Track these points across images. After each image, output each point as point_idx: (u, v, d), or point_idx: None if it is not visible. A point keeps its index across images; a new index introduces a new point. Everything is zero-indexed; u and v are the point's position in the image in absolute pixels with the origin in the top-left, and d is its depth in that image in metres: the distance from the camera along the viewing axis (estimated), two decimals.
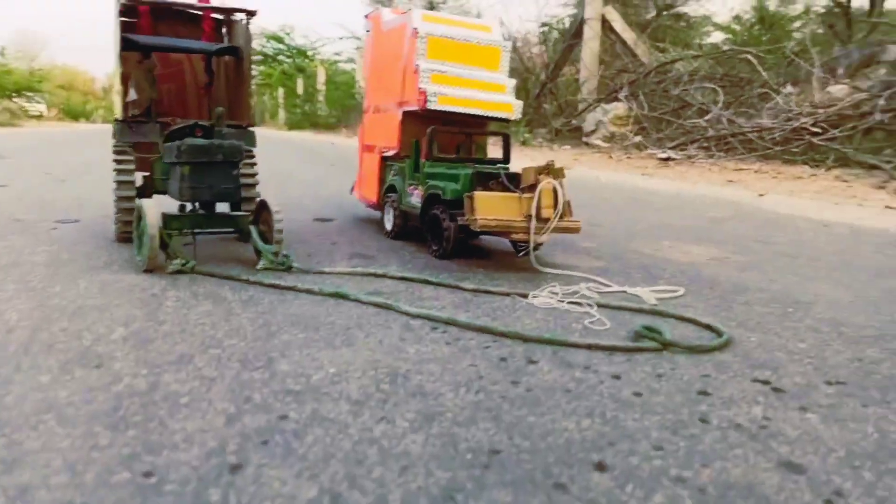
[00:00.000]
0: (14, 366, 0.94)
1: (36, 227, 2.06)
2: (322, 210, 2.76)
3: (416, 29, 1.95)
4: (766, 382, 1.03)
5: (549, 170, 1.70)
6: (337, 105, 20.19)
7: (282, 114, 24.11)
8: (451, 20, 2.05)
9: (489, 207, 1.67)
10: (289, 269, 1.59)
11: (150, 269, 1.50)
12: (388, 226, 2.14)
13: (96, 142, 7.23)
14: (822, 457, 0.79)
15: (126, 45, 1.69)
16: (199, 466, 0.70)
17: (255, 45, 21.63)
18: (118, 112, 1.75)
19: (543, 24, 13.15)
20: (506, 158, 2.05)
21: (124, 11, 1.78)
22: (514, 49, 13.59)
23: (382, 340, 1.14)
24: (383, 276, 1.59)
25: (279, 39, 31.71)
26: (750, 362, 1.12)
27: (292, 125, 20.03)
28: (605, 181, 4.94)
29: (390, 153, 2.14)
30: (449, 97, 1.92)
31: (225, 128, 1.66)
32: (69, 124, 23.59)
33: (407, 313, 1.29)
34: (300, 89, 23.53)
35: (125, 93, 1.73)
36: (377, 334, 1.17)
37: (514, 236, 1.70)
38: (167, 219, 1.55)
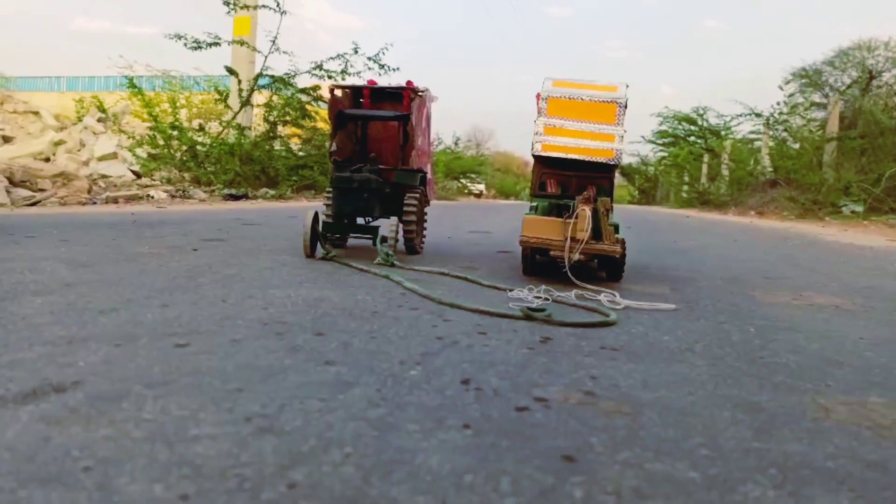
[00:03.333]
0: (171, 278, 1.80)
1: None
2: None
3: (539, 93, 2.43)
4: (530, 348, 1.29)
5: (590, 199, 2.00)
6: (735, 184, 19.64)
7: (680, 194, 24.25)
8: (577, 84, 2.45)
9: (534, 228, 2.05)
10: (392, 265, 2.22)
11: (308, 256, 2.30)
12: None
13: (488, 211, 8.70)
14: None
15: (339, 116, 2.58)
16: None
17: (667, 127, 21.97)
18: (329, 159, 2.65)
19: None
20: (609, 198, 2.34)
21: (351, 93, 2.69)
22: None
23: (355, 294, 1.69)
24: (446, 274, 2.11)
25: (692, 121, 31.90)
26: (571, 335, 1.36)
27: (682, 203, 20.07)
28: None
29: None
30: (552, 145, 2.33)
31: (374, 167, 2.43)
32: (499, 201, 27.40)
33: (401, 284, 1.81)
34: (704, 169, 23.46)
35: (331, 144, 2.62)
36: (359, 291, 1.73)
37: (553, 253, 2.03)
38: (325, 224, 2.35)
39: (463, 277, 2.04)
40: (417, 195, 2.60)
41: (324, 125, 13.46)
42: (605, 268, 2.23)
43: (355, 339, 1.19)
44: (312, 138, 12.57)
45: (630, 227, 6.18)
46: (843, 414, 0.94)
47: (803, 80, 21.10)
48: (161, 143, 11.21)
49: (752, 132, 21.58)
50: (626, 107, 2.39)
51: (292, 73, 12.12)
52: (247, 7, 11.77)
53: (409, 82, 2.76)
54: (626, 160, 38.87)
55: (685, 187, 22.39)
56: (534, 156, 2.39)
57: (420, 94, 2.66)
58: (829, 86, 20.55)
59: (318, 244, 2.33)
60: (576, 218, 2.00)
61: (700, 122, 31.05)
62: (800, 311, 1.85)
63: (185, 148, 11.26)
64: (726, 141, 23.08)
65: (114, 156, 12.57)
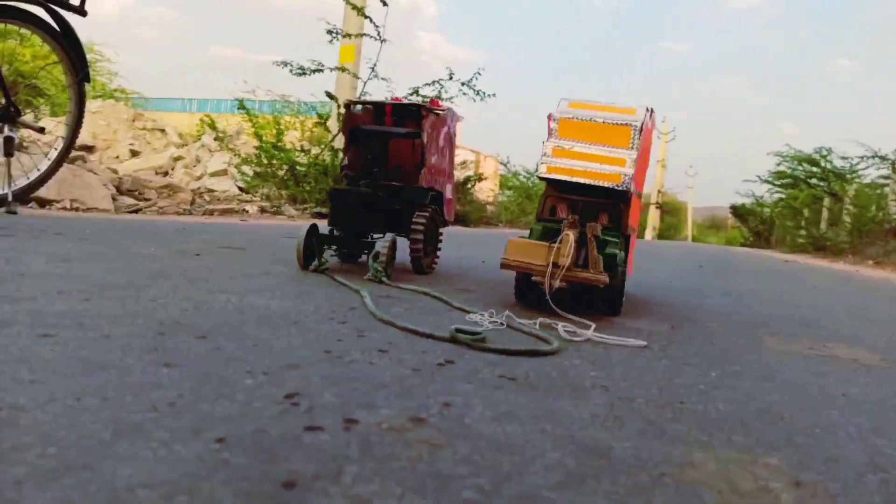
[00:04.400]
0: (134, 277, 1.83)
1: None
2: None
3: (550, 114, 2.32)
4: (416, 370, 1.19)
5: (576, 223, 1.87)
6: (856, 231, 18.24)
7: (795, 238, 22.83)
8: (595, 106, 2.32)
9: (517, 251, 1.94)
10: (380, 281, 2.17)
11: (302, 268, 2.29)
12: None
13: None
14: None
15: (353, 132, 2.58)
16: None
17: (785, 168, 20.97)
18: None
19: None
20: (615, 226, 2.18)
21: (374, 110, 2.69)
22: None
23: (302, 305, 1.65)
24: (427, 293, 2.03)
25: (814, 162, 30.09)
26: (482, 361, 1.24)
27: (794, 248, 18.83)
28: None
29: None
30: (558, 167, 2.21)
31: (376, 182, 2.40)
32: None
33: (363, 299, 1.75)
34: (824, 213, 22.01)
35: (344, 159, 2.61)
36: (310, 303, 1.68)
37: (534, 279, 1.91)
38: (321, 236, 2.33)
39: (439, 298, 1.95)
40: (427, 214, 2.54)
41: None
42: (604, 300, 2.07)
43: (233, 346, 1.14)
44: None
45: (702, 265, 5.83)
46: (705, 472, 0.79)
47: None
48: (265, 161, 11.74)
49: (880, 177, 20.06)
50: (641, 130, 2.24)
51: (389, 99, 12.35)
52: (349, 36, 12.18)
53: (433, 101, 2.72)
54: (738, 200, 36.62)
55: (802, 231, 21.02)
56: (540, 178, 2.28)
57: (437, 112, 2.61)
58: None
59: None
60: (559, 243, 1.87)
61: (823, 164, 29.20)
62: (801, 361, 1.62)
63: (286, 167, 11.74)
64: (851, 185, 21.59)
65: (224, 172, 13.30)
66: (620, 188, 2.16)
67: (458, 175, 17.00)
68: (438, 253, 2.73)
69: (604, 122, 2.25)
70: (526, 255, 1.93)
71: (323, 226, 2.41)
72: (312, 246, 2.29)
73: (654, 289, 3.09)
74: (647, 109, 2.31)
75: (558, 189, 2.30)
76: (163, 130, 15.27)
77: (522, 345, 1.40)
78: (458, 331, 1.38)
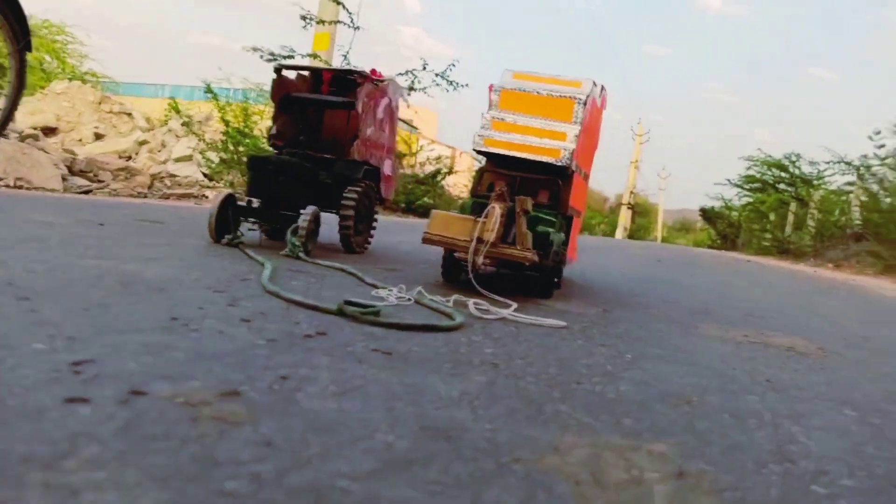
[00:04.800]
0: (68, 245, 1.64)
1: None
2: None
3: (492, 84, 2.16)
4: (272, 340, 1.03)
5: (504, 196, 1.72)
6: (819, 235, 18.43)
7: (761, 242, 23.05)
8: (540, 77, 2.17)
9: (442, 225, 1.78)
10: (297, 257, 2.00)
11: (215, 241, 2.10)
12: None
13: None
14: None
15: (284, 99, 2.40)
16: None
17: (755, 172, 20.91)
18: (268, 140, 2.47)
19: None
20: (553, 205, 2.04)
21: (311, 77, 2.51)
22: None
23: (187, 274, 1.48)
24: (342, 269, 1.86)
25: (783, 167, 30.40)
26: (364, 335, 1.09)
27: (759, 251, 19.00)
28: None
29: None
30: (495, 140, 2.06)
31: (305, 152, 2.22)
32: None
33: (264, 270, 1.58)
34: (790, 218, 22.26)
35: (273, 128, 2.43)
36: (198, 272, 1.51)
37: (458, 255, 1.76)
38: (238, 208, 2.15)
39: (353, 273, 1.80)
40: (360, 189, 2.37)
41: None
42: (535, 282, 1.93)
43: (56, 309, 0.97)
44: None
45: (661, 260, 5.76)
46: (569, 460, 0.64)
47: None
48: (231, 148, 11.42)
49: (847, 183, 20.32)
50: (585, 104, 2.10)
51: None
52: (323, 22, 11.93)
53: (373, 70, 2.56)
54: (707, 203, 36.98)
55: (767, 235, 21.23)
56: (476, 151, 2.12)
57: (375, 82, 2.44)
58: None
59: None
60: (485, 216, 1.72)
61: (791, 170, 29.48)
62: (731, 347, 1.50)
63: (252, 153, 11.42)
64: (818, 191, 21.86)
65: (189, 158, 12.94)
66: (559, 163, 2.02)
67: (430, 168, 16.79)
68: (373, 232, 2.56)
69: (547, 95, 2.11)
70: (450, 230, 1.77)
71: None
72: (228, 218, 2.11)
73: (603, 278, 2.96)
74: (595, 84, 2.17)
75: (496, 164, 2.15)
76: (130, 114, 14.80)
77: (420, 320, 1.24)
78: (347, 303, 1.22)
